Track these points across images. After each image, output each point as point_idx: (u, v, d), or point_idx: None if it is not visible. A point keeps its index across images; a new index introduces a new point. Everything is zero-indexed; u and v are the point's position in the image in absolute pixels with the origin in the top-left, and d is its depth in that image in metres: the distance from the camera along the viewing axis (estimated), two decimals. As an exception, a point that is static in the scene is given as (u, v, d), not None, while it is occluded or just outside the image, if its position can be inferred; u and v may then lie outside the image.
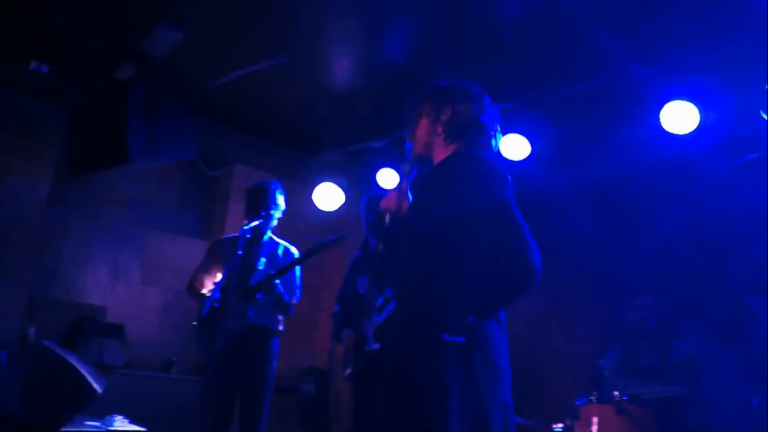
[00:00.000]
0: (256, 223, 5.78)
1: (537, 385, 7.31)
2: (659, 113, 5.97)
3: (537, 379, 7.31)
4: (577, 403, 5.85)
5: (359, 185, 8.69)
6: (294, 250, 6.17)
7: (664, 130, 5.99)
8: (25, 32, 6.60)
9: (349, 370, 5.74)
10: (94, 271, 8.14)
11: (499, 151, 3.34)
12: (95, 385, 5.71)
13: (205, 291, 5.95)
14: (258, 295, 5.74)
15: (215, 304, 5.60)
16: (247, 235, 5.73)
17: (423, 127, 3.35)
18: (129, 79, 6.70)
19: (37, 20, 6.39)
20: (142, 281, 8.53)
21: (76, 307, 7.85)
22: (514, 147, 6.67)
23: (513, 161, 6.70)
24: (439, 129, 3.26)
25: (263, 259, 5.97)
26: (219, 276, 5.88)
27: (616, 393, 5.57)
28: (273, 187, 6.06)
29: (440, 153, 3.27)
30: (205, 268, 6.11)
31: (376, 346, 5.48)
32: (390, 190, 3.29)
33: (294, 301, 5.99)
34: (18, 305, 7.29)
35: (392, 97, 7.32)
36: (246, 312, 5.78)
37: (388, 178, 7.60)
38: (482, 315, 2.73)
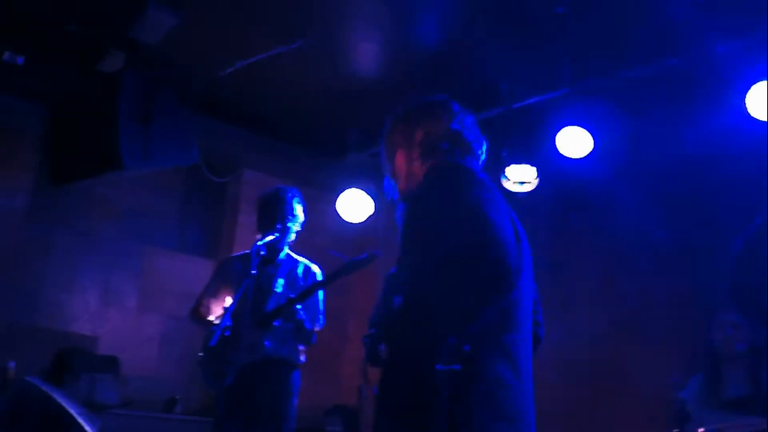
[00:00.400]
0: (271, 237, 5.69)
1: (604, 421, 7.16)
2: (744, 96, 5.80)
3: (604, 413, 7.16)
4: (657, 442, 5.76)
5: (391, 191, 8.58)
6: (316, 268, 6.07)
7: (750, 115, 5.83)
8: (-3, 19, 6.56)
9: None
10: (82, 295, 8.08)
11: (483, 155, 3.40)
12: (88, 429, 5.63)
13: (212, 318, 5.86)
14: (275, 323, 5.63)
15: (225, 333, 5.51)
16: (261, 252, 5.63)
17: (400, 160, 3.38)
18: (118, 72, 6.65)
19: (9, 4, 6.33)
20: (138, 307, 8.47)
21: (62, 336, 7.79)
22: (574, 142, 6.52)
23: (573, 159, 6.56)
24: (415, 155, 3.31)
25: (281, 280, 5.88)
26: (229, 300, 5.79)
27: (700, 430, 5.44)
28: (290, 195, 5.97)
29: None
30: (213, 292, 6.03)
31: None
32: None
33: (317, 329, 5.90)
34: (-6, 334, 7.25)
35: (426, 88, 7.19)
36: (261, 342, 5.70)
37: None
38: (460, 328, 2.69)
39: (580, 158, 6.60)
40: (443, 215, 2.81)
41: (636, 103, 6.54)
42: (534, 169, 6.93)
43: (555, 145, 6.55)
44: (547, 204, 7.82)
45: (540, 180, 6.96)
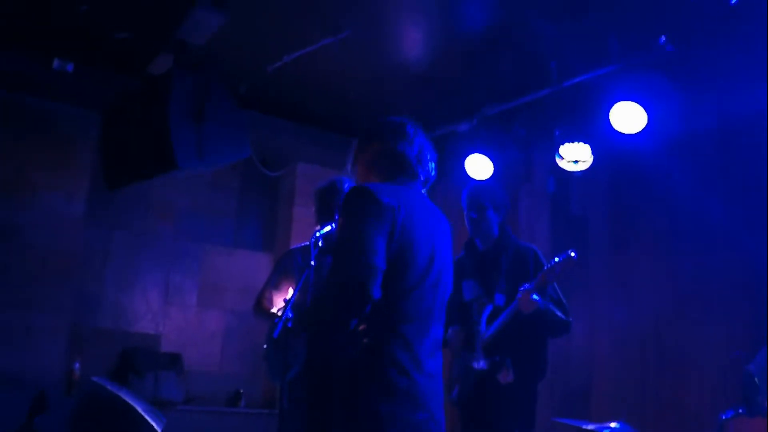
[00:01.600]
0: (328, 228, 5.67)
1: (668, 399, 7.08)
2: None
3: (669, 391, 7.08)
4: (724, 417, 5.65)
5: (445, 177, 8.52)
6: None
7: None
8: (44, 27, 6.59)
9: (455, 392, 5.67)
10: (143, 295, 8.15)
11: (432, 176, 3.83)
12: (154, 425, 5.69)
13: (274, 310, 5.85)
14: None
15: (288, 325, 5.50)
16: (320, 243, 5.62)
17: (357, 174, 3.87)
18: (167, 73, 6.63)
19: (57, 13, 6.38)
20: (199, 303, 8.52)
21: (125, 336, 7.87)
22: (627, 118, 6.42)
23: (627, 135, 6.46)
24: (364, 171, 3.80)
25: (341, 270, 5.85)
26: (291, 292, 5.78)
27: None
28: (346, 185, 5.95)
29: None
30: (275, 284, 6.02)
31: (487, 363, 5.40)
32: None
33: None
34: (60, 338, 7.33)
35: (476, 71, 7.17)
36: (323, 334, 5.68)
37: (479, 165, 7.41)
38: (332, 333, 3.30)
39: (635, 134, 6.50)
40: (339, 236, 3.34)
41: (689, 74, 6.43)
42: (588, 147, 6.85)
43: (608, 122, 6.46)
44: (603, 182, 7.74)
45: (595, 158, 6.88)
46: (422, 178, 3.76)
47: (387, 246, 3.28)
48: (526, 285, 5.26)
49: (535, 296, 5.23)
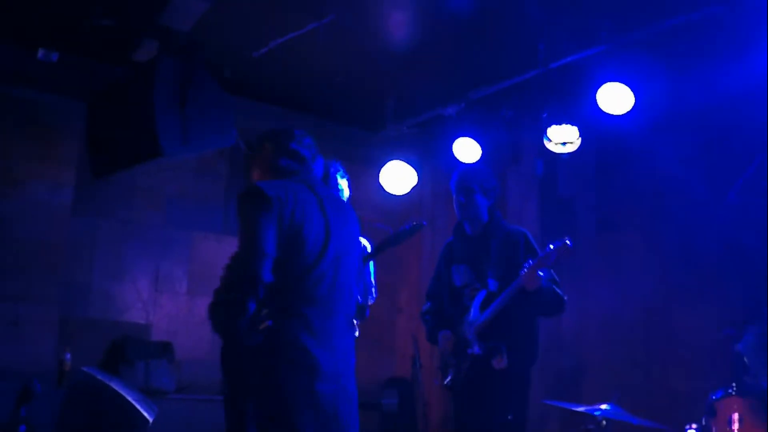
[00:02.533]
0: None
1: (660, 380, 7.11)
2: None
3: (659, 372, 7.11)
4: (713, 397, 5.70)
5: (433, 161, 8.53)
6: (365, 242, 6.02)
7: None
8: (27, 16, 6.54)
9: (449, 378, 5.68)
10: (132, 283, 8.11)
11: (317, 165, 4.30)
12: (146, 415, 5.69)
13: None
14: None
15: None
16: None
17: (255, 175, 4.30)
18: (152, 60, 6.60)
19: (40, 1, 6.34)
20: (189, 291, 8.48)
21: (115, 326, 7.84)
22: (614, 99, 6.41)
23: (614, 116, 6.45)
24: (265, 169, 4.24)
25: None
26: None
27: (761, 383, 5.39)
28: (333, 169, 5.91)
29: None
30: None
31: (481, 348, 5.40)
32: None
33: (370, 303, 5.88)
34: (50, 329, 7.31)
35: (462, 53, 7.15)
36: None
37: (466, 148, 7.40)
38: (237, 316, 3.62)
39: (622, 115, 6.48)
40: (239, 230, 3.75)
41: (675, 56, 6.42)
42: (576, 128, 6.84)
43: (596, 103, 6.45)
44: (591, 164, 7.74)
45: (582, 139, 6.87)
46: (316, 172, 4.25)
47: (277, 234, 3.66)
48: (531, 261, 5.25)
49: (540, 272, 5.23)
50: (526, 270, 5.24)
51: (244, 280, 3.61)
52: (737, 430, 5.45)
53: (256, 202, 3.75)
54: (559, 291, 5.41)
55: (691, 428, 5.68)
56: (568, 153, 6.93)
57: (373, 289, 5.94)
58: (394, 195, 8.09)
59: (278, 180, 4.02)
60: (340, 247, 3.95)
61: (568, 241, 5.17)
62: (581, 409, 5.74)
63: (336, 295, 3.87)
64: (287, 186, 3.88)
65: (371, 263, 5.90)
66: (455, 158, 7.38)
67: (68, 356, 7.21)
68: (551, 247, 5.21)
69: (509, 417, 5.30)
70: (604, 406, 5.54)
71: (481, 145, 7.35)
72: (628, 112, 6.45)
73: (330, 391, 3.74)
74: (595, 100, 6.41)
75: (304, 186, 4.01)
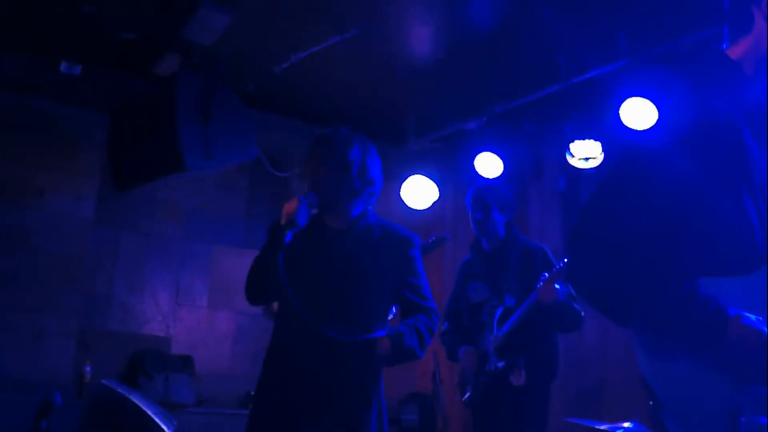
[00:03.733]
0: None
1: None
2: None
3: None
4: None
5: (455, 175, 8.49)
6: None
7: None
8: (51, 30, 6.59)
9: (467, 395, 5.66)
10: (153, 296, 8.13)
11: None
12: (165, 428, 5.68)
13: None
14: None
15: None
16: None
17: None
18: (174, 74, 6.64)
19: (63, 15, 6.37)
20: (209, 305, 8.49)
21: (135, 339, 7.86)
22: (638, 114, 6.36)
23: (638, 131, 6.41)
24: None
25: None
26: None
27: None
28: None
29: None
30: None
31: (499, 364, 5.37)
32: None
33: (390, 317, 5.86)
34: (69, 341, 7.33)
35: (484, 68, 7.13)
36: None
37: (488, 163, 7.37)
38: None
39: (645, 129, 6.43)
40: None
41: (699, 69, 6.36)
42: (599, 143, 6.80)
43: (619, 118, 6.41)
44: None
45: (605, 154, 6.82)
46: None
47: None
48: (546, 274, 5.21)
49: (556, 285, 5.19)
50: (541, 284, 5.20)
51: None
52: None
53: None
54: (576, 306, 5.35)
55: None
56: (592, 168, 6.88)
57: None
58: (416, 210, 8.06)
59: None
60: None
61: None
62: (603, 427, 5.68)
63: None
64: None
65: None
66: (477, 173, 7.35)
67: (88, 369, 7.24)
68: (566, 260, 5.17)
69: (529, 432, 5.27)
70: (626, 424, 5.47)
71: (503, 160, 7.32)
72: (651, 127, 6.40)
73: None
74: (618, 114, 6.37)
75: None
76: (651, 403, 2.51)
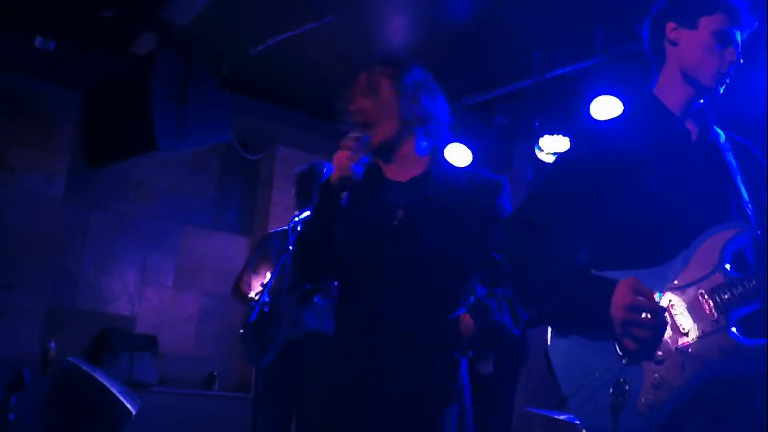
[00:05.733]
0: (307, 213, 5.66)
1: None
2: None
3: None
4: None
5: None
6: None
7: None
8: (26, 3, 6.56)
9: None
10: (120, 275, 8.14)
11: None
12: (129, 406, 5.70)
13: (252, 294, 5.87)
14: (315, 299, 5.65)
15: (265, 309, 5.51)
16: (298, 228, 5.61)
17: None
18: (150, 53, 6.61)
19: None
20: (175, 285, 8.51)
21: (101, 317, 7.87)
22: (607, 111, 6.45)
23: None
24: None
25: (319, 257, 5.87)
26: (268, 276, 5.80)
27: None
28: (325, 170, 5.95)
29: None
30: (253, 268, 6.02)
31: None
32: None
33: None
34: (36, 318, 7.31)
35: (458, 60, 7.17)
36: (302, 318, 5.69)
37: (457, 154, 7.44)
38: None
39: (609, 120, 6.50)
40: None
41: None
42: (567, 139, 6.87)
43: (589, 115, 6.48)
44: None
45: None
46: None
47: None
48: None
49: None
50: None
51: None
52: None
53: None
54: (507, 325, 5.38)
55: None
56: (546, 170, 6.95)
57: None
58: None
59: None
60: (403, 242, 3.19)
61: None
62: (562, 417, 5.77)
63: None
64: None
65: None
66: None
67: (53, 345, 7.23)
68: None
69: (496, 421, 5.33)
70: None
71: (472, 151, 7.39)
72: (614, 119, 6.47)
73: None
74: (589, 111, 6.45)
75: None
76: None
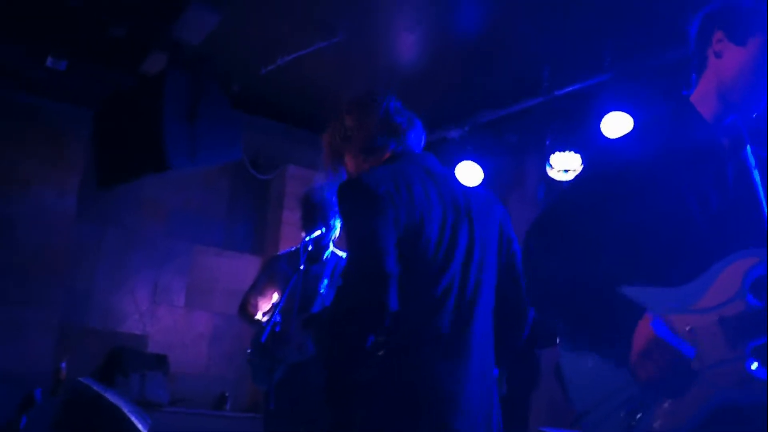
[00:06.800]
0: (318, 233, 5.65)
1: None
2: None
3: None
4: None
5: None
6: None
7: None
8: (38, 23, 6.59)
9: None
10: (132, 294, 8.15)
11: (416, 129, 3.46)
12: (140, 427, 5.68)
13: (259, 316, 5.87)
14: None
15: (276, 329, 5.51)
16: (310, 248, 5.61)
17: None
18: (161, 72, 6.63)
19: (51, 8, 6.38)
20: (187, 304, 8.51)
21: (113, 336, 7.87)
22: (618, 127, 6.43)
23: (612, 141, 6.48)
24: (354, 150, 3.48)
25: (325, 281, 5.85)
26: (275, 297, 5.82)
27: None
28: (329, 191, 5.94)
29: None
30: (260, 290, 6.01)
31: None
32: None
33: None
34: (48, 336, 7.32)
35: (468, 78, 7.19)
36: (307, 341, 5.70)
37: (469, 172, 7.44)
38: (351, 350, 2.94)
39: (613, 141, 6.49)
40: (348, 242, 2.98)
41: (681, 85, 6.43)
42: (578, 156, 6.87)
43: (600, 131, 6.47)
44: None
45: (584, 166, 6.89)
46: (416, 143, 3.42)
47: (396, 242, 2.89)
48: None
49: None
50: None
51: (364, 308, 2.82)
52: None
53: (362, 202, 2.95)
54: (549, 324, 5.35)
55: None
56: (570, 180, 6.95)
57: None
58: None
59: (383, 167, 3.14)
60: (476, 250, 3.17)
61: None
62: (576, 435, 5.73)
63: (481, 314, 3.14)
64: (396, 172, 3.06)
65: None
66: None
67: (63, 365, 7.23)
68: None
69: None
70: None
71: (483, 169, 7.39)
72: (628, 138, 6.46)
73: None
74: (599, 128, 6.44)
75: (417, 168, 3.16)
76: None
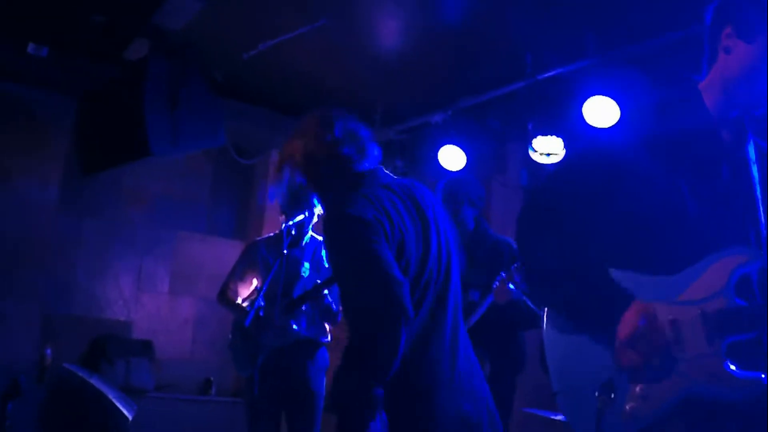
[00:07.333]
0: (300, 217, 5.67)
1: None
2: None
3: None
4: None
5: (418, 168, 8.55)
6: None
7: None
8: (18, 9, 6.54)
9: None
10: (115, 281, 8.14)
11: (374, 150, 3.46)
12: (125, 412, 5.69)
13: (239, 301, 5.89)
14: (303, 307, 5.68)
15: (260, 314, 5.53)
16: (292, 232, 5.64)
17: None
18: (143, 59, 6.61)
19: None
20: (171, 291, 8.51)
21: (97, 323, 7.86)
22: (600, 112, 6.46)
23: (599, 129, 6.50)
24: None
25: (306, 264, 5.90)
26: (255, 283, 5.85)
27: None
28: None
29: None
30: (239, 275, 6.05)
31: None
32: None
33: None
34: (32, 325, 7.31)
35: (451, 62, 7.19)
36: (290, 326, 5.72)
37: (452, 156, 7.45)
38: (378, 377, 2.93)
39: (607, 128, 6.52)
40: (346, 274, 3.03)
41: (663, 71, 6.46)
42: (560, 140, 6.88)
43: (582, 116, 6.49)
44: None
45: (567, 151, 6.91)
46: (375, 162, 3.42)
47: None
48: (503, 274, 5.28)
49: (510, 285, 5.26)
50: (497, 283, 5.28)
51: (388, 314, 2.83)
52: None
53: (356, 232, 2.96)
54: (532, 306, 5.39)
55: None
56: (553, 164, 6.97)
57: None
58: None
59: (354, 194, 3.13)
60: (451, 260, 3.33)
61: None
62: (559, 418, 5.76)
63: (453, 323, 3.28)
64: (371, 197, 3.09)
65: None
66: (441, 166, 7.42)
67: (48, 352, 7.23)
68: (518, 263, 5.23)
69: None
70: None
71: (466, 154, 7.40)
72: (613, 126, 6.49)
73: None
74: (581, 112, 6.46)
75: (381, 187, 3.21)
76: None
